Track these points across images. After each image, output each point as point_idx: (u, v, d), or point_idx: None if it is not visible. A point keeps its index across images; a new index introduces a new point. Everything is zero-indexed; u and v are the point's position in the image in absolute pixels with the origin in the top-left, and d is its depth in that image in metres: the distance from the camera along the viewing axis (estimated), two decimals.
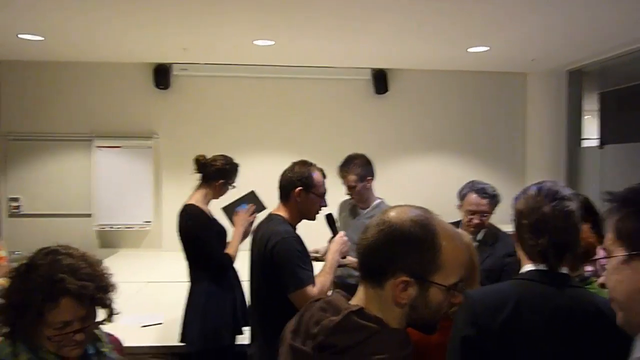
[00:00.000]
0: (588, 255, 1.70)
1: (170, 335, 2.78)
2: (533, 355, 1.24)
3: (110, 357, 1.32)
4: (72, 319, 1.18)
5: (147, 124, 5.60)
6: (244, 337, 2.74)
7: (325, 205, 2.23)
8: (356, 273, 2.69)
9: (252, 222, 2.72)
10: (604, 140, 5.43)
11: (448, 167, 5.92)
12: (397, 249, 0.97)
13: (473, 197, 2.72)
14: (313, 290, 2.00)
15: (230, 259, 2.61)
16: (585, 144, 5.80)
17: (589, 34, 4.23)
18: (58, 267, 1.20)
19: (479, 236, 2.77)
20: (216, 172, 2.74)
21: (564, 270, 1.35)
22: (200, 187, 2.79)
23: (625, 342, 1.24)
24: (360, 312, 0.97)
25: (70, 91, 5.51)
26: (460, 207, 2.82)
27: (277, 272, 2.02)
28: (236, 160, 2.92)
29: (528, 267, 1.36)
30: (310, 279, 2.02)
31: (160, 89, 5.51)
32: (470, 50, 4.72)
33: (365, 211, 2.95)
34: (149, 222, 5.51)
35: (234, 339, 2.64)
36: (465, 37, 4.37)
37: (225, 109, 5.69)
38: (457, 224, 2.94)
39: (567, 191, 1.41)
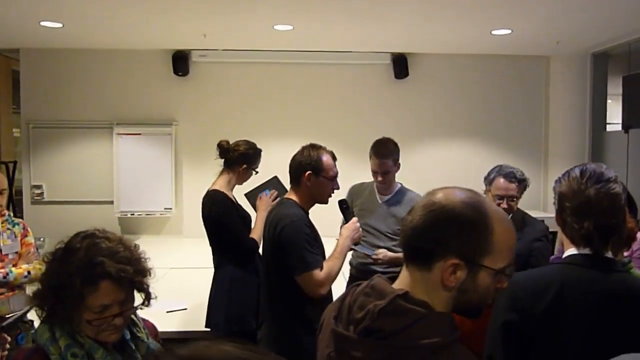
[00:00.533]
0: (628, 240, 1.65)
1: (195, 320, 2.80)
2: (577, 341, 1.22)
3: (146, 342, 1.32)
4: (111, 303, 1.18)
5: (166, 111, 5.62)
6: None
7: (338, 188, 2.21)
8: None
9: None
10: (627, 124, 5.31)
11: (469, 153, 5.84)
12: (448, 230, 0.94)
13: (501, 181, 2.66)
14: (320, 274, 1.99)
15: (256, 244, 2.61)
16: (609, 128, 5.68)
17: (614, 14, 4.11)
18: (97, 251, 1.19)
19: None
20: (239, 157, 2.72)
21: (609, 254, 1.31)
22: (223, 172, 2.78)
23: None
24: (406, 295, 0.95)
25: (90, 78, 5.54)
26: (487, 191, 2.77)
27: (284, 254, 2.02)
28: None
29: (571, 251, 1.33)
30: (318, 263, 2.01)
31: (180, 75, 5.50)
32: (494, 32, 4.62)
33: (388, 197, 2.90)
34: (170, 209, 5.54)
35: (258, 324, 2.65)
36: (488, 19, 4.28)
37: (244, 95, 5.68)
38: None
39: (611, 173, 1.37)
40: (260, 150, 2.82)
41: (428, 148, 5.89)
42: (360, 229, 2.25)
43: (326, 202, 2.24)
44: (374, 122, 5.67)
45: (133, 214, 5.51)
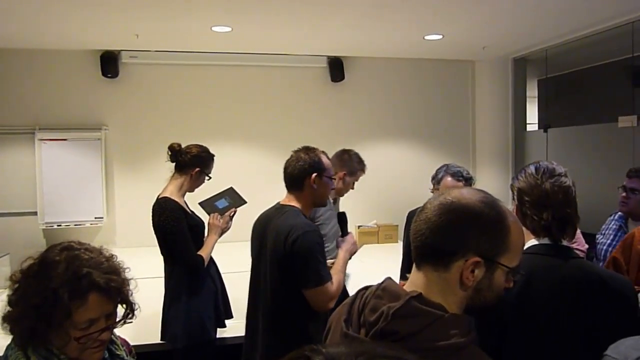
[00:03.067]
0: None
1: (149, 333, 2.66)
2: (546, 324, 1.31)
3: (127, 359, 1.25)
4: (98, 316, 1.10)
5: (95, 115, 5.31)
6: (224, 330, 2.69)
7: (334, 188, 2.24)
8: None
9: (229, 221, 2.68)
10: (546, 124, 5.76)
11: (404, 153, 6.05)
12: (470, 229, 0.95)
13: (449, 180, 2.78)
14: (332, 287, 1.96)
15: (202, 262, 2.48)
16: (529, 128, 6.12)
17: (533, 23, 4.44)
18: (80, 262, 1.11)
19: None
20: (192, 160, 2.61)
21: (565, 243, 1.42)
22: (174, 177, 2.64)
23: (627, 308, 1.35)
24: (420, 297, 0.95)
25: (10, 80, 5.11)
26: (434, 190, 2.88)
27: (297, 267, 1.94)
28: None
29: (532, 242, 1.42)
30: (330, 276, 1.98)
31: (109, 77, 5.23)
32: (427, 37, 4.83)
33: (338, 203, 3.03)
34: (101, 218, 5.24)
35: (216, 332, 2.58)
36: (422, 25, 4.47)
37: (178, 98, 5.50)
38: None
39: (561, 169, 1.49)
40: (213, 155, 2.73)
41: (365, 149, 5.90)
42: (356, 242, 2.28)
43: (326, 204, 2.24)
44: (311, 124, 5.73)
45: (60, 225, 5.14)
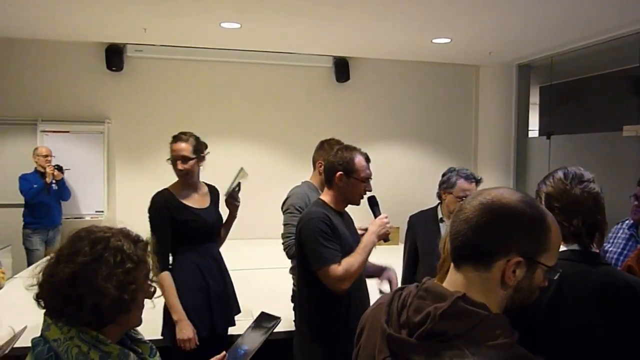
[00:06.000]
0: None
1: (154, 330, 2.63)
2: (577, 330, 1.30)
3: (148, 343, 1.24)
4: None
5: (98, 108, 5.27)
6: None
7: (370, 190, 2.20)
8: None
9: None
10: (549, 131, 5.80)
11: (405, 155, 6.06)
12: (512, 228, 0.95)
13: (464, 183, 2.79)
14: (338, 269, 1.99)
15: (163, 262, 2.37)
16: (531, 134, 6.15)
17: (541, 30, 4.47)
18: (123, 235, 1.13)
19: None
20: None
21: (594, 249, 1.42)
22: None
23: None
24: (465, 297, 0.94)
25: (13, 71, 5.07)
26: (445, 194, 2.88)
27: (305, 252, 2.05)
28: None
29: (561, 247, 1.42)
30: (335, 258, 2.00)
31: (113, 70, 5.20)
32: (435, 41, 4.83)
33: None
34: (102, 211, 5.21)
35: (211, 330, 2.50)
36: (431, 28, 4.47)
37: (182, 94, 5.47)
38: (435, 209, 3.01)
39: (589, 175, 1.49)
40: (172, 139, 2.59)
41: (367, 150, 5.97)
42: (389, 225, 2.21)
43: (358, 204, 2.22)
44: (314, 123, 5.72)
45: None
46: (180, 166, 2.49)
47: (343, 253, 2.05)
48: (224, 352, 1.46)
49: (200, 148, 2.55)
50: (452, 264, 1.04)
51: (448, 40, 4.84)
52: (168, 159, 2.53)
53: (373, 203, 2.32)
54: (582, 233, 1.39)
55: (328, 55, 5.64)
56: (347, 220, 2.27)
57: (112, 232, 1.13)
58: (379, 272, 2.49)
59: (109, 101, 5.30)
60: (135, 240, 1.15)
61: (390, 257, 3.09)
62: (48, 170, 4.67)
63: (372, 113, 5.96)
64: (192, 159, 2.50)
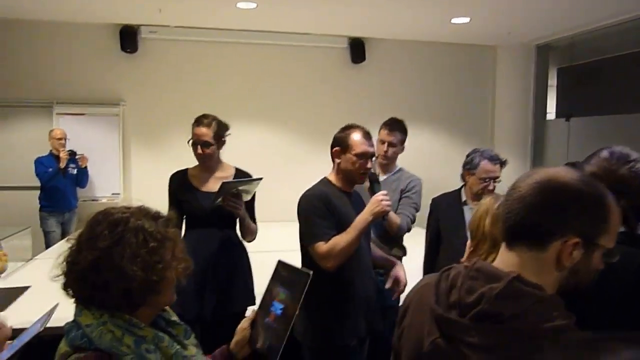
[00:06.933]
0: None
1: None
2: (622, 313, 1.28)
3: (182, 325, 1.22)
4: None
5: (113, 90, 5.25)
6: None
7: (369, 168, 2.15)
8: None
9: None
10: (568, 113, 5.70)
11: (423, 137, 5.99)
12: (570, 208, 0.91)
13: (487, 164, 2.74)
14: (323, 246, 1.98)
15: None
16: (549, 117, 6.06)
17: (561, 9, 4.36)
18: (142, 214, 1.09)
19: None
20: None
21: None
22: None
23: None
24: (519, 278, 0.91)
25: (28, 53, 5.05)
26: (469, 175, 2.84)
27: (300, 227, 2.10)
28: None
29: None
30: (324, 236, 1.99)
31: (127, 52, 5.16)
32: (454, 21, 4.74)
33: (387, 176, 2.91)
34: (118, 194, 5.22)
35: (198, 316, 2.42)
36: (450, 7, 4.38)
37: (197, 75, 5.43)
38: (458, 192, 2.98)
39: (636, 154, 1.44)
40: (195, 122, 2.55)
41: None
42: (385, 202, 2.11)
43: (360, 181, 2.17)
44: (330, 105, 5.67)
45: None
46: (200, 150, 2.48)
47: (342, 233, 2.03)
48: (249, 316, 1.34)
49: (221, 133, 2.51)
50: (503, 244, 1.01)
51: (467, 20, 4.74)
52: (189, 141, 2.51)
53: (373, 180, 2.21)
54: (629, 215, 1.35)
55: (344, 35, 5.56)
56: (356, 201, 2.21)
57: (131, 212, 1.09)
58: (387, 265, 2.41)
59: (123, 83, 5.27)
60: (156, 217, 1.11)
61: (411, 241, 3.08)
62: (62, 155, 4.67)
63: (388, 94, 5.89)
64: (212, 144, 2.47)
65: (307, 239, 2.05)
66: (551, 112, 6.08)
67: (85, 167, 4.87)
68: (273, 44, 5.46)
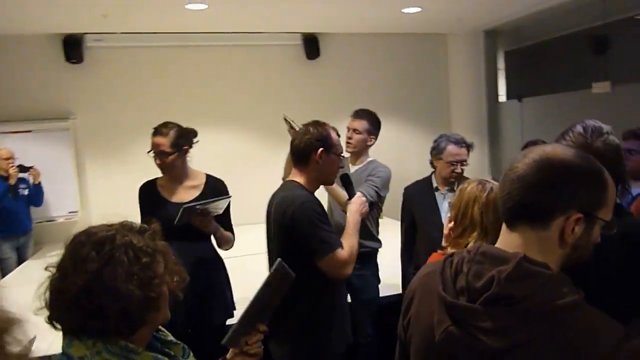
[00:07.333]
0: None
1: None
2: (611, 282, 1.31)
3: (180, 344, 1.17)
4: None
5: (60, 104, 5.01)
6: None
7: (342, 167, 2.12)
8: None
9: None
10: (511, 95, 5.89)
11: (385, 127, 5.98)
12: (571, 185, 0.91)
13: (453, 147, 2.80)
14: (343, 253, 1.89)
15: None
16: (502, 99, 6.23)
17: None
18: (127, 229, 1.02)
19: (456, 186, 2.87)
20: None
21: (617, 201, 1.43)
22: None
23: None
24: (526, 258, 0.91)
25: None
26: (436, 160, 2.88)
27: (301, 241, 1.88)
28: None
29: None
30: (338, 242, 1.91)
31: (73, 63, 4.93)
32: (405, 11, 4.78)
33: (356, 167, 2.90)
34: (75, 212, 4.99)
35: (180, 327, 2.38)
36: None
37: (149, 82, 5.26)
38: (429, 179, 3.01)
39: (607, 127, 1.48)
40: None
41: (342, 126, 5.96)
42: (367, 202, 2.18)
43: (333, 182, 2.14)
44: (287, 103, 5.59)
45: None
46: (157, 161, 2.42)
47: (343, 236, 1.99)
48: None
49: (180, 142, 2.42)
50: (503, 226, 1.01)
51: (418, 10, 4.80)
52: (148, 152, 2.43)
53: (348, 182, 2.24)
54: None
55: (297, 32, 5.52)
56: None
57: (115, 229, 1.02)
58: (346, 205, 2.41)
59: (71, 96, 5.04)
60: (142, 231, 1.06)
61: (385, 232, 3.09)
62: (11, 171, 4.41)
63: (345, 88, 5.89)
64: (171, 154, 2.39)
65: (324, 251, 1.87)
66: (503, 95, 6.26)
67: (39, 184, 4.61)
68: (226, 45, 5.36)
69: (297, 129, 2.38)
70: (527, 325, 0.87)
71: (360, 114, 2.94)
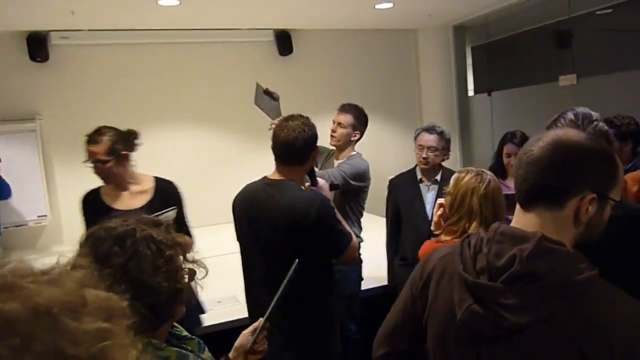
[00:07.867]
0: None
1: None
2: (612, 259, 1.37)
3: (195, 339, 1.16)
4: None
5: (25, 104, 4.81)
6: None
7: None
8: None
9: None
10: (480, 90, 6.03)
11: None
12: (584, 166, 0.95)
13: (424, 134, 2.89)
14: (354, 238, 2.03)
15: None
16: (471, 93, 6.37)
17: None
18: (144, 223, 1.01)
19: (438, 177, 2.93)
20: None
21: None
22: None
23: None
24: (544, 237, 0.95)
25: None
26: (417, 151, 2.96)
27: (325, 237, 1.91)
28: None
29: None
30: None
31: (38, 61, 4.74)
32: (378, 6, 4.82)
33: (339, 162, 2.90)
34: (44, 216, 4.81)
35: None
36: None
37: (119, 81, 5.11)
38: (413, 170, 3.06)
39: (596, 114, 1.54)
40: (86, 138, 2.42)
41: (316, 122, 5.97)
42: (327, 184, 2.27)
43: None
44: None
45: None
46: (94, 169, 2.33)
47: None
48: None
49: (116, 148, 2.32)
50: (517, 207, 1.04)
51: (390, 5, 4.84)
52: (84, 162, 2.34)
53: (311, 170, 2.20)
54: None
55: (269, 28, 5.48)
56: None
57: (133, 223, 1.01)
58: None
59: (36, 95, 4.85)
60: (157, 224, 1.05)
61: (368, 227, 3.10)
62: None
63: (319, 85, 5.90)
64: (107, 161, 2.30)
65: (347, 241, 1.97)
66: (472, 89, 6.40)
67: (0, 177, 4.38)
68: (198, 42, 5.27)
69: (274, 119, 2.39)
70: (548, 301, 0.91)
71: (346, 108, 2.96)
